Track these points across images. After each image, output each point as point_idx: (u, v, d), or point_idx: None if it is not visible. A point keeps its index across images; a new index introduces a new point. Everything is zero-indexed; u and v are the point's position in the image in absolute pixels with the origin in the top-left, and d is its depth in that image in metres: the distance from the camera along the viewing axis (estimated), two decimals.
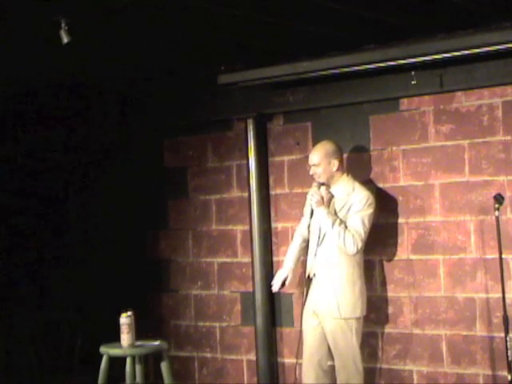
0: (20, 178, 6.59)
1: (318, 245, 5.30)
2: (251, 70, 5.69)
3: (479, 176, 5.34)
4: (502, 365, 5.15)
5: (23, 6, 4.08)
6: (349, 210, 5.22)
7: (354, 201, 5.22)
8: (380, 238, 5.64)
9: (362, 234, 5.17)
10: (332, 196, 5.32)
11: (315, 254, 5.31)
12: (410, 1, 4.54)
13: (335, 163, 5.27)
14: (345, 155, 5.74)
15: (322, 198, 5.26)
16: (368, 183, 5.68)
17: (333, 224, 5.16)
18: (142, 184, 6.70)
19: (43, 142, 6.69)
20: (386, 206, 5.63)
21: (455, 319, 5.43)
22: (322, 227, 5.25)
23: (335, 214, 5.23)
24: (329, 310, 5.22)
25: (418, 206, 5.56)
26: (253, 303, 6.12)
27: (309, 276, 5.35)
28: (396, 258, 5.64)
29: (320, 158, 5.30)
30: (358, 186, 5.31)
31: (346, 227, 5.15)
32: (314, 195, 5.26)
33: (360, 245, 5.16)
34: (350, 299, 5.21)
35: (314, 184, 5.33)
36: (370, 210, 5.23)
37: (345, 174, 5.35)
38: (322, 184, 5.32)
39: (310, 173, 5.37)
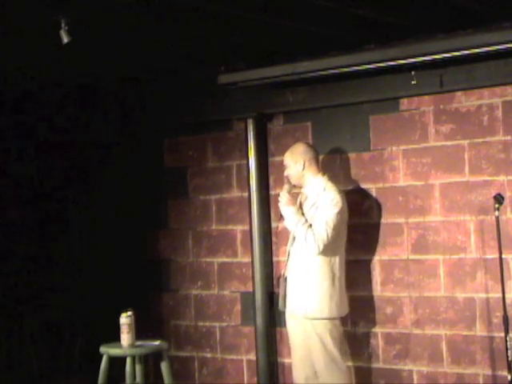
0: (20, 178, 6.58)
1: (290, 245, 5.34)
2: (251, 70, 5.69)
3: (479, 176, 5.33)
4: (502, 365, 5.14)
5: (23, 5, 4.08)
6: (317, 210, 5.21)
7: (322, 201, 5.21)
8: (380, 238, 5.64)
9: (324, 235, 5.09)
10: (306, 196, 5.35)
11: (288, 255, 5.35)
12: (410, 1, 4.54)
13: (301, 163, 5.31)
14: (345, 155, 5.75)
15: (291, 200, 5.28)
16: (368, 183, 5.69)
17: (296, 223, 5.17)
18: (142, 184, 6.70)
19: (43, 141, 6.69)
20: (386, 205, 5.64)
21: (455, 319, 5.43)
22: (287, 226, 5.31)
23: (303, 214, 5.25)
24: (298, 311, 5.24)
25: (417, 206, 5.56)
26: (253, 303, 6.12)
27: (283, 275, 5.40)
28: (396, 258, 5.64)
29: (288, 158, 5.42)
30: (329, 186, 5.28)
31: (309, 227, 5.13)
32: (282, 197, 5.31)
33: (322, 245, 5.08)
34: (315, 300, 5.18)
35: (285, 186, 5.39)
36: (335, 211, 5.16)
37: (319, 175, 5.34)
38: (294, 186, 5.40)
39: (285, 174, 5.47)
